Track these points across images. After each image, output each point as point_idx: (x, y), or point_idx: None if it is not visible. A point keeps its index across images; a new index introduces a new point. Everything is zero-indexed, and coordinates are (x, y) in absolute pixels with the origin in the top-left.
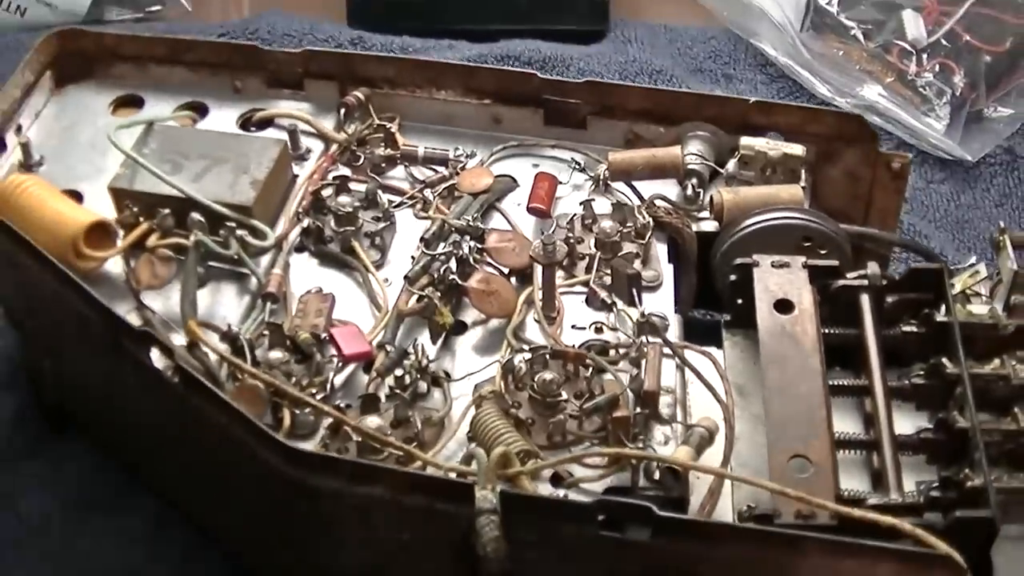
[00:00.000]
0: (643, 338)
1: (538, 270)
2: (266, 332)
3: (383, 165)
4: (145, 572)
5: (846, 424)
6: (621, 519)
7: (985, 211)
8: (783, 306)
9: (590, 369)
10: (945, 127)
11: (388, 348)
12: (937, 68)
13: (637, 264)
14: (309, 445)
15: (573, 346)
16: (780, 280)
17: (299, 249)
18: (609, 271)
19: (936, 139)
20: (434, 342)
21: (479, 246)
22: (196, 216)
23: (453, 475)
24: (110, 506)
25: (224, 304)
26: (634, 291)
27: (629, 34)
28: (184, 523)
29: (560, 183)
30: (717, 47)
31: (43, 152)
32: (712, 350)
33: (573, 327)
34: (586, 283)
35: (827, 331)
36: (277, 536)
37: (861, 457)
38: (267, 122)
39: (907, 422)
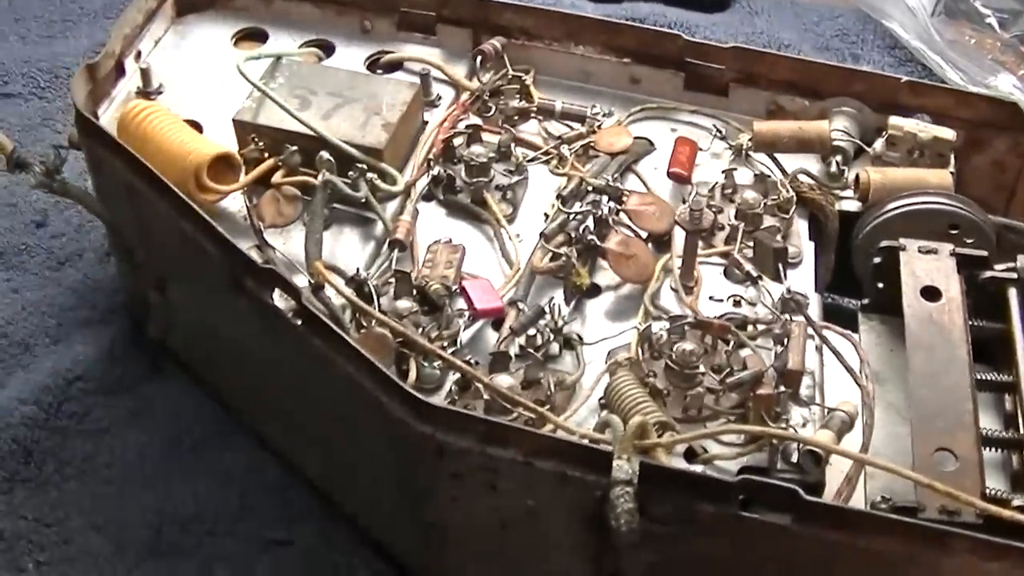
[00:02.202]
0: (787, 315)
1: (679, 236)
2: (392, 280)
3: (516, 118)
4: (239, 514)
5: (984, 421)
6: (762, 501)
7: None
8: (930, 293)
9: (730, 343)
10: None
11: (521, 306)
12: None
13: (779, 239)
14: (435, 400)
15: (712, 318)
16: (927, 266)
17: (427, 198)
18: (752, 243)
19: None
20: (568, 303)
21: (618, 207)
22: (325, 155)
23: (586, 442)
24: (206, 446)
25: (347, 249)
26: (779, 266)
27: (756, 6)
28: (280, 466)
29: (700, 150)
30: (845, 25)
31: (161, 80)
32: (851, 333)
33: (710, 299)
34: (726, 254)
35: (971, 323)
36: (391, 490)
37: (1000, 457)
38: (396, 65)
39: None
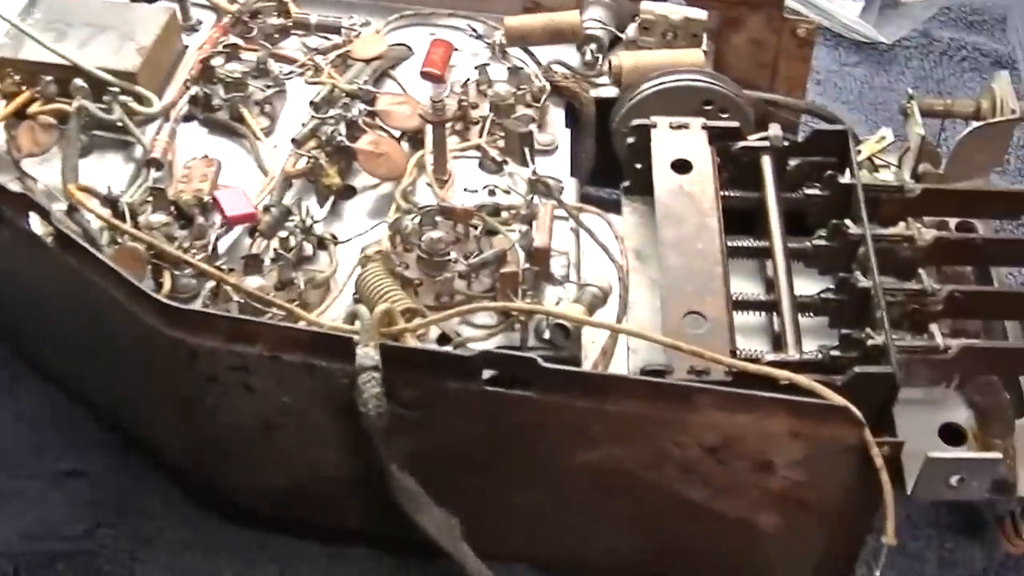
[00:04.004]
0: (535, 198)
1: (429, 131)
2: (151, 198)
3: (276, 36)
4: (33, 450)
5: (749, 288)
6: (507, 374)
7: (900, 93)
8: (681, 166)
9: (479, 229)
10: (861, 10)
11: (274, 211)
12: None
13: (532, 128)
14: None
15: (460, 205)
16: (679, 141)
17: (188, 118)
18: (503, 133)
19: (851, 22)
20: (321, 205)
21: (369, 109)
22: (79, 82)
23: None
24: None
25: (110, 173)
26: (526, 151)
27: None
28: (71, 400)
29: (456, 50)
30: None
31: None
32: (609, 214)
33: (465, 190)
34: (479, 147)
35: (729, 194)
36: (163, 406)
37: (764, 322)
38: None
39: (811, 287)
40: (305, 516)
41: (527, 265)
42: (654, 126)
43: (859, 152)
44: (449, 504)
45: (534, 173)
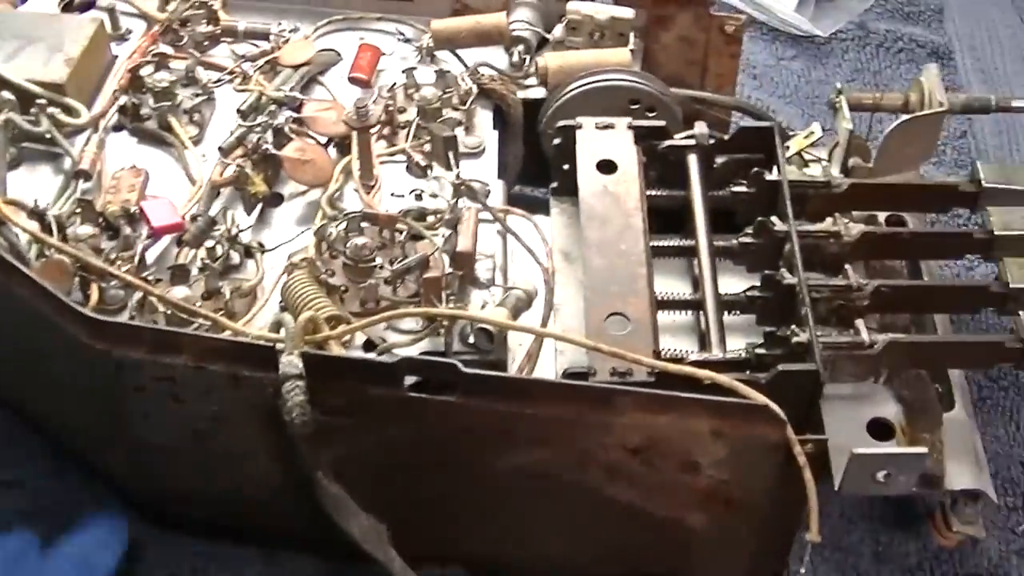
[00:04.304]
0: (459, 201)
1: (355, 137)
2: (79, 210)
3: (206, 43)
4: None
5: (677, 287)
6: (429, 380)
7: (836, 86)
8: (606, 167)
9: (404, 234)
10: (797, 3)
11: (200, 221)
12: None
13: (459, 131)
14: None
15: (384, 211)
16: (604, 141)
17: (117, 128)
18: (429, 137)
19: (787, 15)
20: (248, 213)
21: (295, 115)
22: (6, 95)
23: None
24: None
25: (40, 185)
26: (450, 155)
27: None
28: (7, 410)
29: (384, 54)
30: None
31: None
32: (536, 216)
33: (393, 195)
34: (405, 151)
35: (657, 193)
36: (95, 413)
37: (691, 322)
38: (88, 5)
39: (741, 285)
40: (241, 522)
41: (451, 270)
42: (579, 127)
43: (787, 148)
44: (378, 510)
45: (458, 177)
